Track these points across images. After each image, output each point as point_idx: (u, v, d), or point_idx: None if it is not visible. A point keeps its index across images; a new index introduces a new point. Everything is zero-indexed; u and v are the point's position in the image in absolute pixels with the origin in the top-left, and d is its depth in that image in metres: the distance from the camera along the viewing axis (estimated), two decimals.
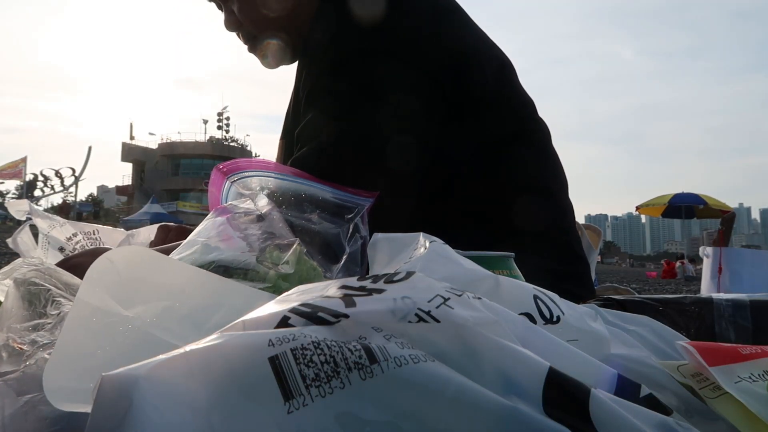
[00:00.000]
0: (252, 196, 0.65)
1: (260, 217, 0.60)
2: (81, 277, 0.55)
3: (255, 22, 1.03)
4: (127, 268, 0.35)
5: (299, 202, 0.67)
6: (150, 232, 1.06)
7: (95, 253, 0.78)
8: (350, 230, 0.67)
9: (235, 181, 0.69)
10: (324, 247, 0.64)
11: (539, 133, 1.02)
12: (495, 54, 0.99)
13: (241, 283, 0.46)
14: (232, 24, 1.06)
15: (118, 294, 0.34)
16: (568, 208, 1.05)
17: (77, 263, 0.79)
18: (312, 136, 0.88)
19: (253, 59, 1.13)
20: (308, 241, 0.60)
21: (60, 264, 0.73)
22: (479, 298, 0.33)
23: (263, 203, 0.63)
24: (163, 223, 1.03)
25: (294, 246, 0.54)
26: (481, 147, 0.93)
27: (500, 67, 0.99)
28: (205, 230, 0.58)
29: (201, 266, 0.49)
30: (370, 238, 0.53)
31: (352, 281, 0.33)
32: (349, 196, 0.70)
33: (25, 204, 1.05)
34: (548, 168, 1.02)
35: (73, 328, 0.33)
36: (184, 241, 0.58)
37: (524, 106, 1.01)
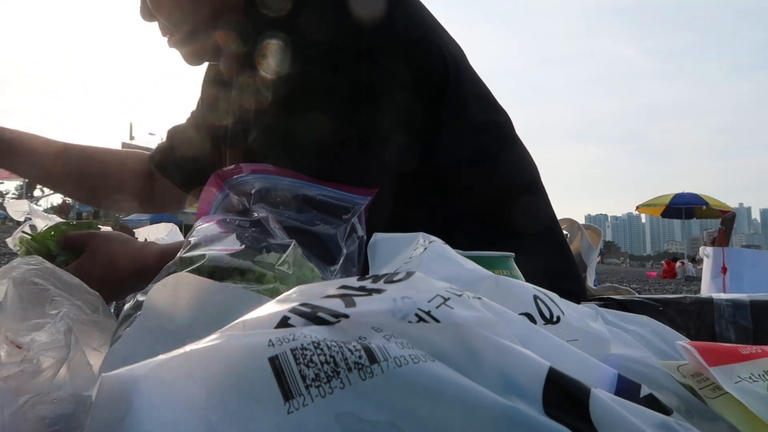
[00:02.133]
0: (249, 198, 0.65)
1: (257, 219, 0.60)
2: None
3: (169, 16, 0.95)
4: (176, 291, 0.42)
5: (296, 202, 0.67)
6: (150, 232, 1.06)
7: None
8: (347, 230, 0.66)
9: (233, 185, 0.68)
10: (321, 248, 0.64)
11: (510, 125, 1.00)
12: (462, 51, 0.99)
13: (259, 294, 0.46)
14: (146, 14, 0.96)
15: (168, 313, 0.41)
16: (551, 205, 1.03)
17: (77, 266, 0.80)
18: (310, 136, 0.87)
19: None
20: (305, 242, 0.60)
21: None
22: (479, 298, 0.33)
23: (260, 205, 0.63)
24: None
25: (291, 247, 0.53)
26: (479, 146, 0.93)
27: (467, 63, 0.98)
28: (200, 231, 0.58)
29: (194, 268, 0.49)
30: (368, 237, 0.53)
31: (352, 281, 0.33)
32: (347, 195, 0.70)
33: (24, 204, 1.05)
34: (531, 162, 1.02)
35: (134, 336, 0.40)
36: (183, 242, 0.58)
37: (494, 99, 0.99)
